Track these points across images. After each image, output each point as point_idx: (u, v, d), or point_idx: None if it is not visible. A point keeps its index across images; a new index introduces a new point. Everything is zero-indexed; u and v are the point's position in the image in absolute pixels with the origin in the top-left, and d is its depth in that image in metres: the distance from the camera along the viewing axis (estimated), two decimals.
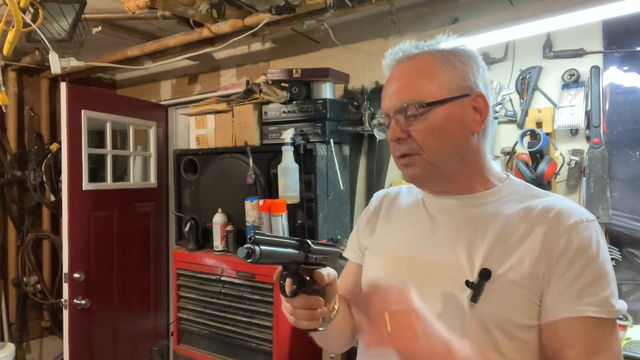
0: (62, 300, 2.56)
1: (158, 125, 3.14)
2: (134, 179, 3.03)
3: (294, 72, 2.15)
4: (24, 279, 3.18)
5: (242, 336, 2.11)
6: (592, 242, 0.78)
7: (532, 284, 0.78)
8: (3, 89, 2.52)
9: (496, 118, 1.98)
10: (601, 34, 1.77)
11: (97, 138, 2.98)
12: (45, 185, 3.13)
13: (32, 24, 1.94)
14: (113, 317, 2.83)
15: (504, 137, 1.98)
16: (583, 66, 1.79)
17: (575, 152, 1.81)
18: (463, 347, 0.73)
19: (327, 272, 0.81)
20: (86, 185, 2.63)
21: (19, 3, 1.80)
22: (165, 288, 3.23)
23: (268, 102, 2.24)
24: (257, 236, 0.69)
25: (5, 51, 2.06)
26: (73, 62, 2.42)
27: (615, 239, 1.74)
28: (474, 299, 0.78)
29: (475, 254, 0.82)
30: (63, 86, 2.52)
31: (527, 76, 1.91)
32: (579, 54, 1.80)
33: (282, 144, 2.03)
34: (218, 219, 2.25)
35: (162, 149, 3.18)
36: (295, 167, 2.02)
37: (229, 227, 2.23)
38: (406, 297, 0.72)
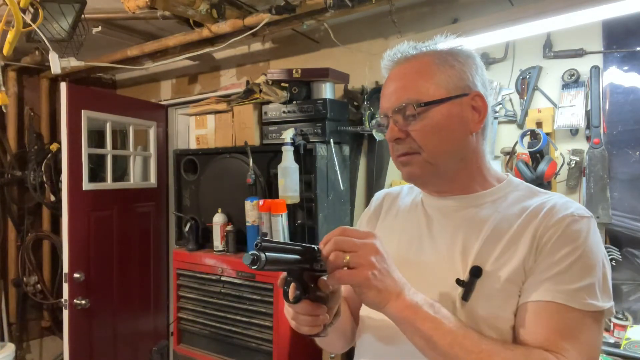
0: (62, 300, 2.56)
1: (158, 125, 3.14)
2: (134, 179, 3.03)
3: (294, 72, 2.15)
4: (24, 279, 3.18)
5: (242, 336, 2.11)
6: (580, 234, 0.77)
7: (520, 279, 0.78)
8: (3, 89, 2.52)
9: (496, 118, 1.98)
10: (601, 34, 1.77)
11: (97, 138, 2.98)
12: (45, 185, 3.13)
13: (32, 24, 1.94)
14: (113, 317, 2.83)
15: (504, 137, 1.98)
16: (583, 66, 1.80)
17: (575, 152, 1.81)
18: (418, 294, 0.75)
19: None
20: (86, 185, 2.63)
21: (19, 3, 1.80)
22: (165, 288, 3.23)
23: (268, 102, 2.24)
24: (263, 243, 0.68)
25: (5, 51, 2.06)
26: (73, 62, 2.42)
27: (615, 239, 1.74)
28: (465, 297, 0.79)
29: (469, 254, 0.82)
30: (63, 86, 2.52)
31: (527, 76, 1.91)
32: (579, 54, 1.80)
33: (282, 144, 2.03)
34: (218, 219, 2.25)
35: (162, 149, 3.18)
36: (295, 167, 2.02)
37: (229, 227, 2.23)
38: (370, 236, 0.74)
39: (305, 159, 2.07)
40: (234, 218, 2.26)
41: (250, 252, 0.67)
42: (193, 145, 2.53)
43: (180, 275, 2.36)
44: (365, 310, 0.95)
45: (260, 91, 2.21)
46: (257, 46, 2.79)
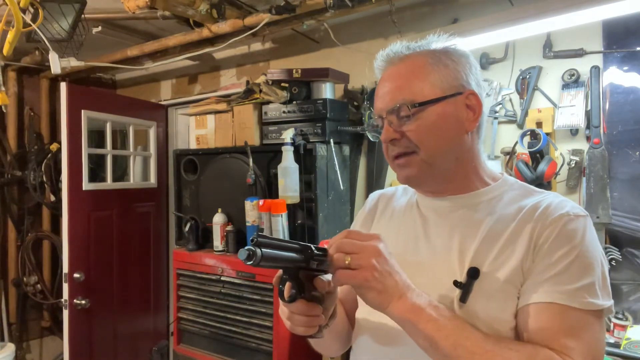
0: (62, 300, 2.56)
1: (158, 125, 3.14)
2: (134, 179, 3.03)
3: (294, 72, 2.15)
4: (24, 279, 3.18)
5: (242, 336, 2.11)
6: (577, 234, 0.77)
7: (518, 279, 0.78)
8: (3, 89, 2.52)
9: (496, 118, 1.98)
10: (601, 34, 1.77)
11: (97, 138, 2.98)
12: (45, 185, 3.13)
13: (32, 24, 1.94)
14: (113, 317, 2.83)
15: (504, 137, 1.98)
16: (583, 66, 1.79)
17: (575, 152, 1.81)
18: (422, 296, 0.75)
19: (327, 279, 0.79)
20: (86, 185, 2.63)
21: (19, 3, 1.80)
22: (165, 288, 3.23)
23: (268, 102, 2.24)
24: (259, 238, 0.67)
25: (5, 51, 2.06)
26: (73, 62, 2.42)
27: (615, 239, 1.74)
28: (463, 299, 0.78)
29: (466, 255, 0.82)
30: (63, 86, 2.52)
31: (527, 76, 1.91)
32: (579, 54, 1.80)
33: (282, 144, 2.03)
34: (218, 219, 2.25)
35: (162, 149, 3.18)
36: (295, 167, 2.02)
37: (229, 227, 2.23)
38: (374, 238, 0.74)
39: (305, 159, 2.07)
40: (234, 218, 2.26)
41: (245, 248, 0.66)
42: (193, 145, 2.53)
43: (180, 275, 2.36)
44: (361, 313, 0.94)
45: (260, 91, 2.21)
46: (257, 46, 2.79)
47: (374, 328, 0.90)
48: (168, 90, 3.30)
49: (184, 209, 2.52)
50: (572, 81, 1.81)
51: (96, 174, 2.97)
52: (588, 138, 1.77)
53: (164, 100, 3.28)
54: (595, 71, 1.75)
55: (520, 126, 1.93)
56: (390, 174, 2.28)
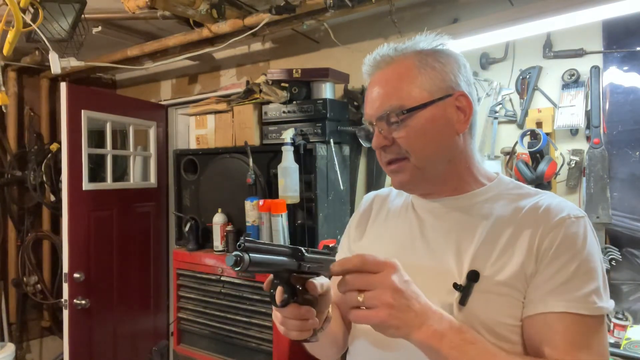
0: (62, 300, 2.56)
1: (158, 125, 3.14)
2: (134, 179, 3.03)
3: (294, 72, 2.15)
4: (24, 279, 3.18)
5: (242, 336, 2.11)
6: (578, 237, 0.77)
7: (520, 284, 0.77)
8: (3, 89, 2.52)
9: (496, 118, 1.98)
10: (601, 34, 1.77)
11: (97, 138, 2.98)
12: (45, 185, 3.13)
13: (32, 24, 1.94)
14: (113, 317, 2.83)
15: (504, 137, 1.98)
16: (583, 66, 1.79)
17: (575, 152, 1.80)
18: (444, 319, 0.72)
19: (320, 281, 0.77)
20: (86, 185, 2.62)
21: (19, 3, 1.80)
22: (165, 288, 3.23)
23: (268, 102, 2.23)
24: (247, 243, 0.66)
25: (5, 51, 2.06)
26: (73, 62, 2.42)
27: (615, 239, 1.74)
28: (462, 301, 0.77)
29: (464, 257, 0.81)
30: (63, 86, 2.52)
31: (527, 76, 1.91)
32: (579, 54, 1.80)
33: (282, 144, 2.03)
34: (218, 219, 2.25)
35: (162, 149, 3.18)
36: (295, 167, 2.02)
37: (229, 227, 2.23)
38: (388, 268, 0.70)
39: (305, 159, 2.07)
40: (234, 218, 2.26)
41: (233, 253, 0.65)
42: (193, 145, 2.53)
43: (180, 275, 2.36)
44: None
45: (260, 91, 2.21)
46: (257, 46, 2.79)
47: (370, 332, 0.89)
48: (168, 90, 3.30)
49: (184, 209, 2.52)
50: (572, 81, 1.81)
51: (96, 174, 2.97)
52: (588, 138, 1.77)
53: (164, 100, 3.28)
54: (595, 71, 1.75)
55: (520, 126, 1.93)
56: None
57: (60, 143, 2.85)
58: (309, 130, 2.12)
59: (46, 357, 3.36)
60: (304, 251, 0.74)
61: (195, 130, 2.52)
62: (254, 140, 2.27)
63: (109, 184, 2.81)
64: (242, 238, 0.67)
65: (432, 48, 0.88)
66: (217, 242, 2.24)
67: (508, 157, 1.94)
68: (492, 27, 1.73)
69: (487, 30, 1.73)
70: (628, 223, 1.72)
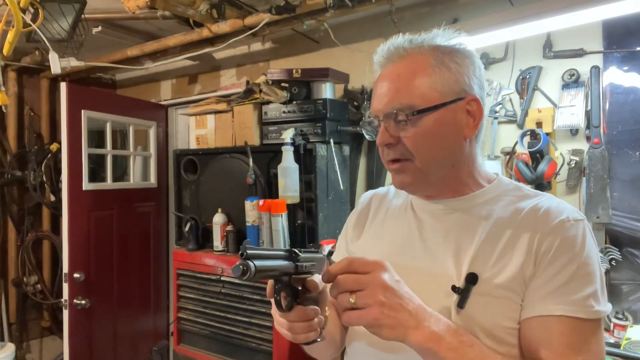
0: (62, 300, 2.56)
1: (158, 125, 3.14)
2: (134, 179, 3.02)
3: (294, 72, 2.15)
4: (24, 279, 3.18)
5: (242, 336, 2.11)
6: (577, 240, 0.76)
7: (519, 286, 0.77)
8: (3, 89, 2.51)
9: (496, 118, 1.98)
10: (601, 34, 1.77)
11: (97, 138, 2.98)
12: (45, 185, 3.13)
13: (32, 24, 1.94)
14: (113, 317, 2.83)
15: (504, 137, 1.98)
16: (583, 66, 1.79)
17: (575, 152, 1.80)
18: (440, 321, 0.71)
19: (318, 279, 0.77)
20: (86, 185, 2.62)
21: (19, 3, 1.80)
22: (165, 288, 3.23)
23: (268, 102, 2.23)
24: (248, 251, 0.66)
25: (5, 51, 2.06)
26: (73, 62, 2.42)
27: (615, 239, 1.74)
28: (461, 304, 0.77)
29: (463, 259, 0.80)
30: (63, 86, 2.52)
31: (527, 76, 1.91)
32: (579, 54, 1.80)
33: (282, 144, 2.03)
34: (218, 219, 2.25)
35: (162, 149, 3.18)
36: (295, 167, 2.02)
37: (229, 227, 2.23)
38: (377, 268, 0.70)
39: (305, 159, 2.07)
40: (234, 218, 2.26)
41: (238, 263, 0.65)
42: (193, 145, 2.53)
43: (180, 275, 2.36)
44: None
45: (260, 91, 2.21)
46: (257, 46, 2.79)
47: (368, 333, 0.89)
48: (168, 90, 3.30)
49: (184, 209, 2.52)
50: (572, 81, 1.81)
51: (96, 174, 2.97)
52: (588, 138, 1.77)
53: (164, 100, 3.28)
54: (595, 71, 1.75)
55: (520, 126, 1.93)
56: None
57: (60, 143, 2.85)
58: (309, 130, 2.12)
59: (46, 357, 3.36)
60: (297, 252, 0.74)
61: (195, 130, 2.52)
62: (254, 140, 2.27)
63: (109, 184, 2.81)
64: (242, 246, 0.67)
65: (451, 46, 0.84)
66: (217, 242, 2.24)
67: (508, 157, 1.94)
68: (492, 27, 1.73)
69: (487, 30, 1.73)
70: (628, 223, 1.72)
